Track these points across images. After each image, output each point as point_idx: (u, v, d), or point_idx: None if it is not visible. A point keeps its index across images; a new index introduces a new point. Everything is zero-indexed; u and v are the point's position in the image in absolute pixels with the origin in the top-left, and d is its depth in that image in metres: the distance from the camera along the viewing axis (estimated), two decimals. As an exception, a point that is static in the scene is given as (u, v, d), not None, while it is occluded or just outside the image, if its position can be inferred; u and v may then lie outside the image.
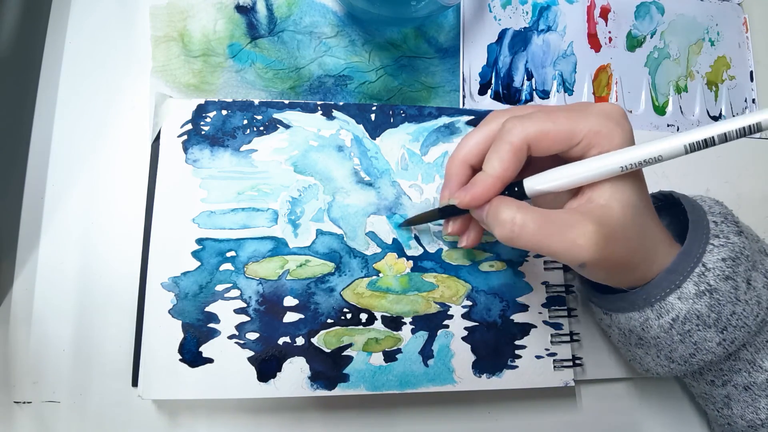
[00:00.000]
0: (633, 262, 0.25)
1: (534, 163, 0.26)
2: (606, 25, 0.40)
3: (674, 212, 0.30)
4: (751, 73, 0.41)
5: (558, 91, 0.38)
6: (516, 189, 0.25)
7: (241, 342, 0.29)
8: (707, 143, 0.22)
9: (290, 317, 0.30)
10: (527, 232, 0.23)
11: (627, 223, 0.24)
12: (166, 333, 0.29)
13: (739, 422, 0.29)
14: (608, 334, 0.31)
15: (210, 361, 0.29)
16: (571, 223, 0.23)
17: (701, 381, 0.30)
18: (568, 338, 0.32)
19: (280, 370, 0.29)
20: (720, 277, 0.25)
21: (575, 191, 0.25)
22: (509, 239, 0.24)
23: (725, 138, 0.21)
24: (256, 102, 0.32)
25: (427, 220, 0.30)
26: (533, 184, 0.25)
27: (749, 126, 0.21)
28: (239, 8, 0.35)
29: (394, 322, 0.31)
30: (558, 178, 0.24)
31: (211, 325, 0.29)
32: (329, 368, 0.30)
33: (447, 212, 0.28)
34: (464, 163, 0.27)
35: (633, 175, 0.24)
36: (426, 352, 0.30)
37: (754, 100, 0.41)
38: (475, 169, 0.27)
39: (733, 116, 0.41)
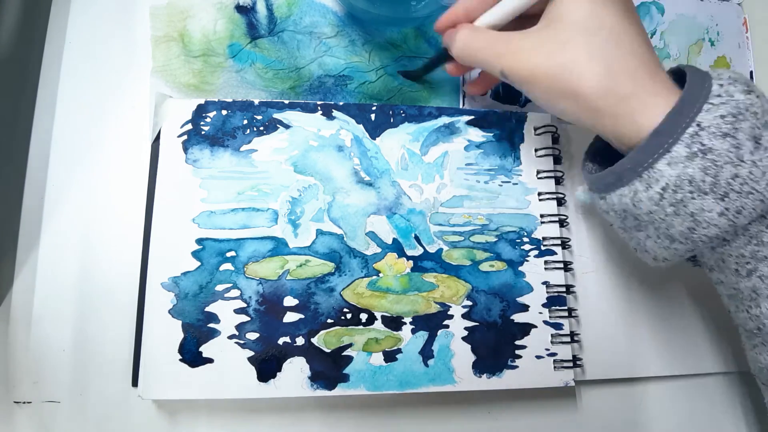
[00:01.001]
0: (606, 90, 0.24)
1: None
2: (606, 25, 0.40)
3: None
4: (751, 73, 0.41)
5: (558, 91, 0.38)
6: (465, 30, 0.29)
7: (241, 342, 0.29)
8: None
9: (290, 317, 0.30)
10: (477, 40, 0.27)
11: (596, 28, 0.23)
12: (166, 333, 0.29)
13: (766, 322, 0.25)
14: (610, 223, 0.28)
15: (210, 361, 0.29)
16: (519, 35, 0.25)
17: (727, 271, 0.26)
18: (568, 338, 0.32)
19: (280, 370, 0.29)
20: (715, 134, 0.22)
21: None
22: (460, 51, 0.28)
23: None
24: (256, 102, 0.32)
25: (428, 68, 0.34)
26: (480, 20, 0.29)
27: None
28: (239, 8, 0.35)
29: (394, 322, 0.31)
30: (499, 7, 0.28)
31: (211, 325, 0.29)
32: (329, 368, 0.30)
33: (441, 58, 0.32)
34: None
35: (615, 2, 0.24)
36: (426, 352, 0.30)
37: (754, 100, 0.41)
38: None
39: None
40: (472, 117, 0.34)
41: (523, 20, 0.28)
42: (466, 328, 0.31)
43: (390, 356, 0.30)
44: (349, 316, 0.30)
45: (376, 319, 0.31)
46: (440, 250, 0.32)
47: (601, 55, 0.24)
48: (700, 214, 0.23)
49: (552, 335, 0.32)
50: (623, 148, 0.26)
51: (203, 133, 0.31)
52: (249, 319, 0.30)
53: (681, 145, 0.22)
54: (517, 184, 0.34)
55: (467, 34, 0.28)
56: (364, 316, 0.31)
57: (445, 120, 0.34)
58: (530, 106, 0.37)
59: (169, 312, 0.29)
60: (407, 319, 0.31)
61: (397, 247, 0.32)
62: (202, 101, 0.32)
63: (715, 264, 0.26)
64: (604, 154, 0.29)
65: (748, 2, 0.42)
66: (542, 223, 0.33)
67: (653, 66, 0.25)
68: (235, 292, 0.30)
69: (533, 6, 0.27)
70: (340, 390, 0.29)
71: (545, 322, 0.32)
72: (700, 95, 0.23)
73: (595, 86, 0.24)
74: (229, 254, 0.30)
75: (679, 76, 0.26)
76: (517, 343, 0.31)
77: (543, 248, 0.33)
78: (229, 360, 0.29)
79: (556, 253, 0.33)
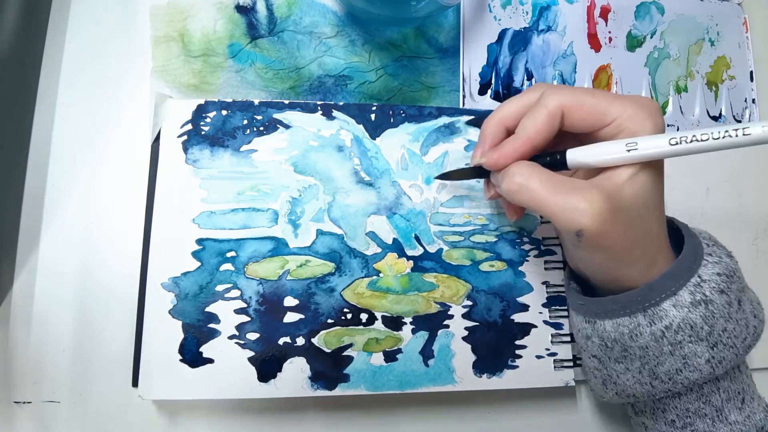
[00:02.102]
0: (632, 254, 0.25)
1: (561, 144, 0.26)
2: (606, 25, 0.40)
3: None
4: (751, 73, 0.41)
5: (558, 91, 0.38)
6: (558, 158, 0.26)
7: (242, 342, 0.29)
8: None
9: (290, 317, 0.30)
10: (531, 186, 0.24)
11: (635, 209, 0.24)
12: (166, 333, 0.29)
13: None
14: (584, 348, 0.29)
15: (210, 361, 0.29)
16: (579, 187, 0.24)
17: (661, 421, 0.28)
18: (568, 338, 0.32)
19: (280, 371, 0.29)
20: (716, 289, 0.25)
21: (594, 172, 0.26)
22: (514, 192, 0.25)
23: None
24: (256, 102, 0.32)
25: (462, 177, 0.30)
26: (576, 155, 0.25)
27: None
28: (239, 8, 0.35)
29: (394, 322, 0.31)
30: (601, 153, 0.25)
31: (211, 325, 0.29)
32: (329, 368, 0.30)
33: (480, 172, 0.29)
34: (500, 125, 0.28)
35: (655, 172, 0.25)
36: (426, 352, 0.30)
37: (754, 100, 0.41)
38: (510, 132, 0.27)
39: (733, 115, 0.41)
40: (472, 117, 0.34)
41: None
42: (466, 328, 0.31)
43: (390, 356, 0.30)
44: (349, 316, 0.30)
45: (377, 319, 0.31)
46: (440, 250, 0.32)
47: (654, 234, 0.26)
48: (692, 358, 0.25)
49: (552, 335, 0.32)
50: (614, 287, 0.27)
51: (203, 133, 0.31)
52: (249, 319, 0.30)
53: (686, 292, 0.25)
54: (517, 184, 0.34)
55: (526, 170, 0.25)
56: (364, 316, 0.30)
57: (445, 120, 0.34)
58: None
59: (169, 312, 0.29)
60: (407, 319, 0.31)
61: (398, 247, 0.32)
62: (202, 101, 0.32)
63: (650, 411, 0.28)
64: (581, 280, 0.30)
65: (748, 2, 0.42)
66: (542, 223, 0.33)
67: (664, 243, 0.27)
68: (235, 293, 0.30)
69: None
70: (340, 390, 0.29)
71: (545, 322, 0.32)
72: (697, 251, 0.26)
73: (636, 258, 0.25)
74: (229, 254, 0.30)
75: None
76: (518, 342, 0.31)
77: (543, 248, 0.33)
78: (230, 360, 0.29)
79: (556, 253, 0.33)
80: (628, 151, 0.24)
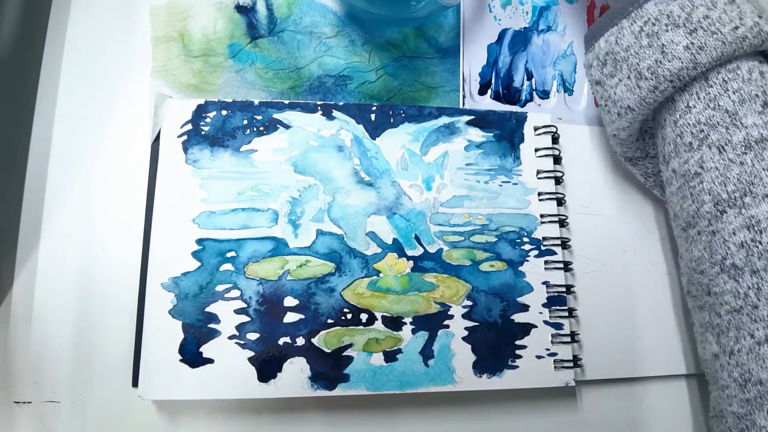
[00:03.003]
0: None
1: None
2: (606, 25, 0.40)
3: None
4: (751, 73, 0.41)
5: (558, 91, 0.38)
6: None
7: (242, 342, 0.29)
8: None
9: (290, 317, 0.30)
10: None
11: None
12: (166, 333, 0.29)
13: (707, 201, 0.27)
14: (590, 81, 0.32)
15: (210, 361, 0.29)
16: None
17: (681, 149, 0.28)
18: (568, 338, 0.32)
19: (280, 371, 0.29)
20: None
21: None
22: None
23: None
24: (256, 102, 0.32)
25: None
26: None
27: None
28: (239, 8, 0.35)
29: (394, 323, 0.31)
30: None
31: (211, 325, 0.29)
32: (330, 368, 0.30)
33: None
34: None
35: None
36: (426, 352, 0.30)
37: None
38: None
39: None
40: (472, 117, 0.34)
41: None
42: (466, 328, 0.31)
43: (390, 356, 0.30)
44: (349, 316, 0.30)
45: (377, 320, 0.31)
46: (440, 250, 0.32)
47: None
48: (669, 46, 0.26)
49: (552, 335, 0.32)
50: None
51: (203, 133, 0.31)
52: (249, 319, 0.30)
53: None
54: (517, 184, 0.34)
55: None
56: (364, 317, 0.30)
57: (445, 120, 0.34)
58: (530, 106, 0.37)
59: (169, 312, 0.29)
60: (407, 319, 0.31)
61: (398, 248, 0.32)
62: (202, 101, 0.32)
63: (673, 145, 0.28)
64: None
65: (748, 2, 0.42)
66: (542, 223, 0.33)
67: None
68: (235, 293, 0.30)
69: None
70: (340, 390, 0.29)
71: (545, 322, 0.32)
72: None
73: None
74: (229, 254, 0.30)
75: None
76: (518, 343, 0.31)
77: (543, 248, 0.33)
78: (230, 360, 0.29)
79: (556, 253, 0.33)
80: None
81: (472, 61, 0.37)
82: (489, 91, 0.37)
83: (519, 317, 0.32)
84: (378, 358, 0.30)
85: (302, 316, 0.30)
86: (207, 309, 0.29)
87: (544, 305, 0.32)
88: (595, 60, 0.30)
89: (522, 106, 0.37)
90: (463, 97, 0.37)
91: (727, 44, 0.25)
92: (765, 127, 0.25)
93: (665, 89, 0.27)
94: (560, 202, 0.34)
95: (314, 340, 0.30)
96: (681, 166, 0.28)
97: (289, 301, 0.30)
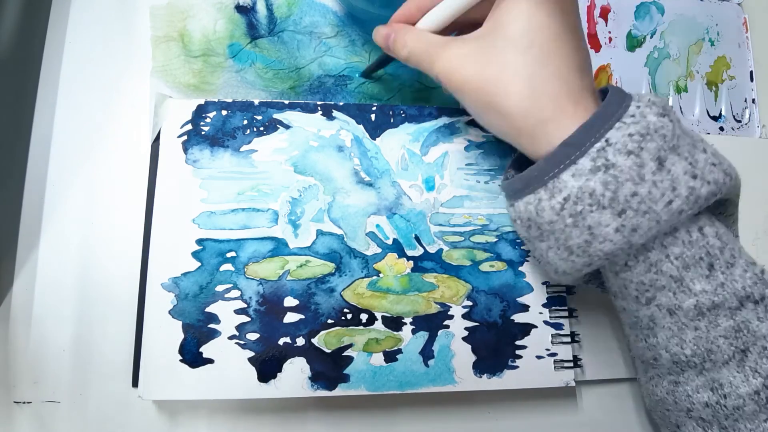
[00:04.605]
0: (526, 112, 0.24)
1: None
2: (606, 25, 0.40)
3: None
4: (751, 73, 0.41)
5: (558, 91, 0.38)
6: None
7: (242, 342, 0.29)
8: None
9: (290, 318, 0.30)
10: (414, 42, 0.27)
11: (526, 46, 0.23)
12: (166, 333, 0.29)
13: (664, 355, 0.25)
14: (518, 233, 0.28)
15: (210, 361, 0.29)
16: (458, 41, 0.25)
17: (628, 297, 0.26)
18: (568, 338, 0.32)
19: (280, 371, 0.29)
20: (621, 151, 0.22)
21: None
22: (403, 57, 0.28)
23: None
24: (256, 102, 0.32)
25: (381, 65, 0.34)
26: (423, 21, 0.28)
27: None
28: (239, 8, 0.35)
29: (394, 323, 0.31)
30: (429, 16, 0.27)
31: (211, 325, 0.29)
32: (330, 368, 0.30)
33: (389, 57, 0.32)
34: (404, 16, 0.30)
35: (548, 5, 0.23)
36: (426, 353, 0.30)
37: (754, 100, 0.41)
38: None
39: (733, 115, 0.41)
40: (472, 117, 0.34)
41: (469, 26, 0.27)
42: (466, 329, 0.31)
43: (390, 356, 0.30)
44: (349, 316, 0.30)
45: (377, 320, 0.31)
46: (440, 250, 0.32)
47: (527, 75, 0.24)
48: (597, 228, 0.23)
49: (552, 335, 0.32)
50: (523, 147, 0.26)
51: (203, 133, 0.31)
52: (249, 319, 0.30)
53: (587, 158, 0.23)
54: (517, 184, 0.34)
55: (403, 35, 0.28)
56: (364, 317, 0.30)
57: (445, 120, 0.34)
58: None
59: (169, 312, 0.29)
60: (407, 320, 0.31)
61: (398, 248, 0.32)
62: (202, 101, 0.32)
63: (618, 290, 0.27)
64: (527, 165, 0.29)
65: (748, 2, 0.42)
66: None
67: (579, 91, 0.25)
68: (235, 293, 0.30)
69: (476, 11, 0.26)
70: (340, 390, 0.29)
71: (545, 322, 0.32)
72: (614, 114, 0.23)
73: (516, 106, 0.24)
74: (229, 255, 0.30)
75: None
76: (518, 343, 0.31)
77: (543, 248, 0.33)
78: (230, 360, 0.29)
79: (556, 254, 0.33)
80: None
81: (472, 61, 0.37)
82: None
83: (519, 317, 0.32)
84: (378, 359, 0.30)
85: (302, 317, 0.30)
86: (207, 309, 0.29)
87: (544, 305, 0.32)
88: (518, 219, 0.27)
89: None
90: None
91: (662, 222, 0.23)
92: (715, 293, 0.23)
93: (601, 263, 0.25)
94: (560, 202, 0.34)
95: (314, 341, 0.30)
96: (630, 313, 0.27)
97: (289, 302, 0.30)
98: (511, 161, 0.30)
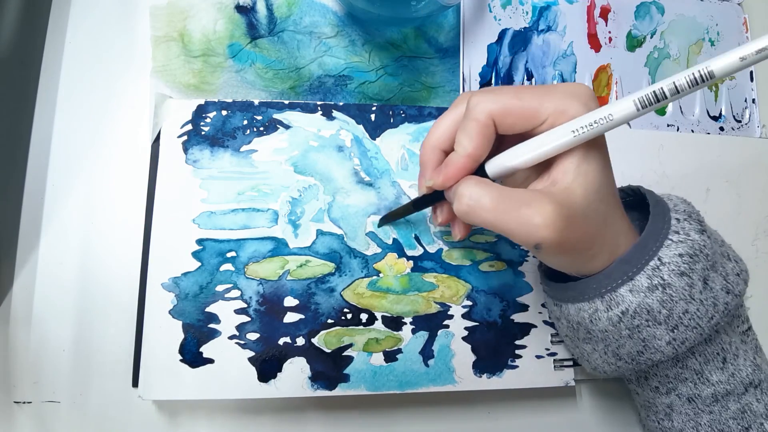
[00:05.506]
0: (593, 249, 0.24)
1: (508, 144, 0.25)
2: (606, 25, 0.40)
3: (644, 208, 0.28)
4: (751, 73, 0.41)
5: (558, 91, 0.38)
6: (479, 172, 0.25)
7: (242, 342, 0.29)
8: (657, 97, 0.21)
9: (291, 317, 0.30)
10: (483, 206, 0.23)
11: (589, 207, 0.23)
12: (166, 333, 0.29)
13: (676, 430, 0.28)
14: (557, 327, 0.30)
15: (210, 361, 0.29)
16: (529, 201, 0.23)
17: (646, 387, 0.29)
18: (568, 338, 0.32)
19: (280, 371, 0.29)
20: (675, 272, 0.24)
21: (541, 173, 0.25)
22: (465, 213, 0.24)
23: (676, 90, 0.20)
24: (256, 102, 0.32)
25: (403, 214, 0.30)
26: (493, 165, 0.25)
27: (700, 75, 0.20)
28: (239, 8, 0.35)
29: (394, 322, 0.31)
30: (515, 156, 0.24)
31: (211, 325, 0.29)
32: (330, 368, 0.30)
33: (420, 203, 0.28)
34: (436, 149, 0.27)
35: (599, 160, 0.24)
36: (426, 352, 0.30)
37: (754, 100, 0.41)
38: (448, 153, 0.27)
39: (733, 115, 0.41)
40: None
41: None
42: (466, 328, 0.31)
43: (390, 356, 0.30)
44: (349, 316, 0.30)
45: (377, 320, 0.31)
46: (440, 250, 0.32)
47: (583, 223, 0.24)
48: (651, 341, 0.25)
49: (552, 335, 0.32)
50: (579, 273, 0.26)
51: (203, 133, 0.31)
52: (249, 319, 0.30)
53: (643, 276, 0.24)
54: (517, 184, 0.34)
55: (475, 191, 0.23)
56: (364, 317, 0.31)
57: (445, 120, 0.34)
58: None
59: (169, 312, 0.29)
60: (407, 319, 0.31)
61: (397, 247, 0.32)
62: (202, 101, 0.32)
63: (636, 379, 0.29)
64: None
65: (748, 2, 0.42)
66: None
67: (625, 227, 0.26)
68: (235, 293, 0.30)
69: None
70: (340, 390, 0.29)
71: (545, 322, 0.32)
72: (661, 231, 0.25)
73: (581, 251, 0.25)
74: (229, 254, 0.30)
75: (636, 194, 0.29)
76: (517, 342, 0.32)
77: (543, 248, 0.33)
78: (230, 360, 0.29)
79: (556, 253, 0.33)
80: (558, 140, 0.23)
81: (472, 61, 0.37)
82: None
83: (519, 317, 0.32)
84: (378, 358, 0.30)
85: (302, 316, 0.30)
86: (207, 309, 0.29)
87: (543, 305, 0.32)
88: (565, 320, 0.28)
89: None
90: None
91: (704, 335, 0.25)
92: (728, 382, 0.26)
93: (646, 369, 0.27)
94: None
95: (314, 340, 0.30)
96: (645, 398, 0.29)
97: (289, 301, 0.30)
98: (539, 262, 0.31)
